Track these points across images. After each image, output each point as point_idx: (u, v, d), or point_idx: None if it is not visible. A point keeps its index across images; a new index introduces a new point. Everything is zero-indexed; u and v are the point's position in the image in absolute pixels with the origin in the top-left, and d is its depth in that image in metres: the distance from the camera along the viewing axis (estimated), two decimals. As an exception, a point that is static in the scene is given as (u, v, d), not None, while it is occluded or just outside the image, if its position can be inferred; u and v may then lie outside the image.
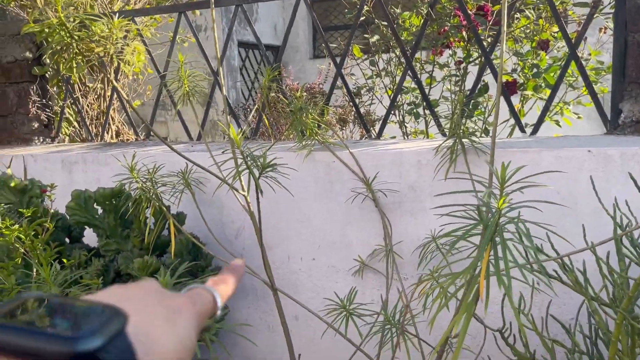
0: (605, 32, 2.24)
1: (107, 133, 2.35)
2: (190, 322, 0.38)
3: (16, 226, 1.27)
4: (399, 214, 1.47)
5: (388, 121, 1.76)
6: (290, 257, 1.64)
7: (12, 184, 1.47)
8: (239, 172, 1.08)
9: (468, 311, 0.73)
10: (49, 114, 2.23)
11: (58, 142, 2.28)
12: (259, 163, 1.09)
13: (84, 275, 1.45)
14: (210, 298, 0.44)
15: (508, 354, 1.23)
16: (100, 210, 1.54)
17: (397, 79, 2.27)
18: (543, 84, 1.87)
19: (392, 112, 1.82)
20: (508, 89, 1.87)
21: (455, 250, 1.34)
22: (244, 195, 1.34)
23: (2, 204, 1.33)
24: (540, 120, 1.53)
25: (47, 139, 2.24)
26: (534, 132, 1.55)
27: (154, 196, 1.50)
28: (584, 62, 2.03)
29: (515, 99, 1.99)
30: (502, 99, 1.57)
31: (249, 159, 1.07)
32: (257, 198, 1.18)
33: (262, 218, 1.57)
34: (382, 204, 1.48)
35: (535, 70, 1.84)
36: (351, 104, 1.79)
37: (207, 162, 1.50)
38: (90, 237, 1.69)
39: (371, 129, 2.18)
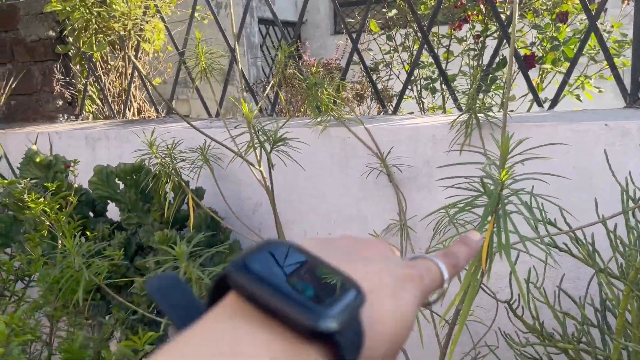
0: (628, 4, 2.17)
1: (129, 110, 2.39)
2: (415, 298, 0.34)
3: (42, 200, 1.32)
4: (414, 189, 1.48)
5: (405, 97, 1.76)
6: (307, 232, 1.67)
7: (38, 160, 1.52)
8: (253, 145, 1.10)
9: (472, 282, 0.74)
10: (73, 92, 2.28)
11: (82, 120, 2.33)
12: (270, 137, 1.11)
13: (107, 247, 1.51)
14: (438, 272, 0.38)
15: (519, 327, 1.24)
16: (121, 185, 1.58)
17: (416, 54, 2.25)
18: (562, 57, 1.84)
19: (409, 87, 1.81)
20: (526, 63, 1.84)
21: (469, 224, 1.34)
22: (259, 170, 1.37)
23: (29, 179, 1.38)
24: (558, 93, 1.51)
25: (71, 117, 2.30)
26: (552, 106, 1.53)
27: (172, 171, 1.54)
28: (606, 35, 1.98)
29: (534, 73, 1.96)
30: (520, 73, 1.55)
31: (260, 133, 1.09)
32: (270, 172, 1.21)
33: (279, 194, 1.60)
34: (397, 179, 1.49)
35: (554, 43, 1.81)
36: (368, 79, 1.79)
37: (225, 138, 1.52)
38: (113, 211, 1.74)
39: (388, 104, 2.18)
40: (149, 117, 2.47)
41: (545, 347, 1.02)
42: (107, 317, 1.63)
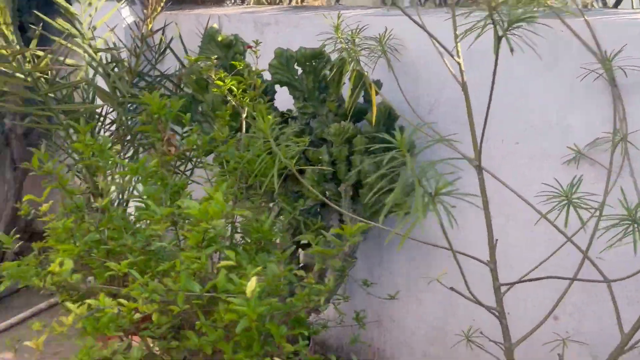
0: None
1: (292, -3, 2.30)
2: None
3: (229, 79, 1.29)
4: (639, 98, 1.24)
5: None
6: (489, 139, 1.50)
7: (219, 39, 1.48)
8: (486, 23, 0.94)
9: None
10: (240, -26, 2.22)
11: (246, 5, 2.28)
12: (502, 17, 0.94)
13: (279, 136, 1.47)
14: None
15: None
16: (299, 71, 1.51)
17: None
18: None
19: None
20: None
21: None
22: (458, 62, 1.21)
23: (214, 57, 1.34)
24: None
25: (237, 1, 2.25)
26: None
27: (354, 60, 1.43)
28: None
29: None
30: None
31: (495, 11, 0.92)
32: (495, 62, 1.05)
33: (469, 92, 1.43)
34: (618, 84, 1.25)
35: None
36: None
37: (406, 27, 1.34)
38: (281, 100, 1.68)
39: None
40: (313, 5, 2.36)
41: None
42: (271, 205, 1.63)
